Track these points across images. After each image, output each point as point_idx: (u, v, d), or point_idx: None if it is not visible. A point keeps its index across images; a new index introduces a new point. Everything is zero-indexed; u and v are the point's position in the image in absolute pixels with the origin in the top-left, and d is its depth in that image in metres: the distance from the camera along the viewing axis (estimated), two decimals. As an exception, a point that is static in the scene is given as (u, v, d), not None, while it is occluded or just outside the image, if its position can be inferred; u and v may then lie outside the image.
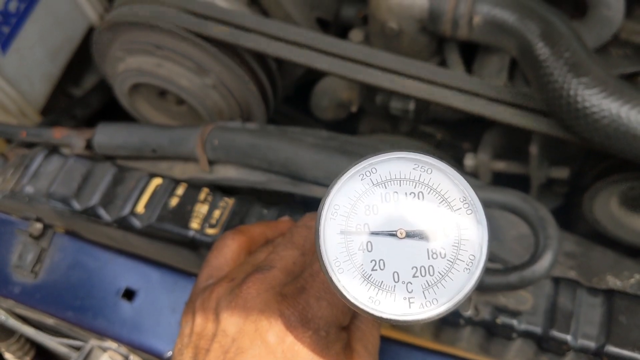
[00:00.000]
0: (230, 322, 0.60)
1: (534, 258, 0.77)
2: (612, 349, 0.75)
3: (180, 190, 0.96)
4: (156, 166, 1.10)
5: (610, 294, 0.79)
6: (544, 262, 0.76)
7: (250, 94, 1.25)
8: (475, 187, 0.83)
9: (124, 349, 0.86)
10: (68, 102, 1.66)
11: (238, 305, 0.61)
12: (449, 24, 1.06)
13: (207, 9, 1.18)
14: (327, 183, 0.93)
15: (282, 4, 1.26)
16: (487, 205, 0.83)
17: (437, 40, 1.17)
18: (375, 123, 1.49)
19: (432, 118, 1.35)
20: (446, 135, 1.43)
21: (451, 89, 1.05)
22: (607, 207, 1.14)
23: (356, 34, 1.24)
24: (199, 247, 0.93)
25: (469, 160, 1.24)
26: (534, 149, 1.13)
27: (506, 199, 0.81)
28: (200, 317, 0.63)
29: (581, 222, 1.26)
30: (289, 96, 1.54)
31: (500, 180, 1.28)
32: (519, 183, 1.28)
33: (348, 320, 0.63)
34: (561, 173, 1.17)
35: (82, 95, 1.64)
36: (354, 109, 1.38)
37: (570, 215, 1.31)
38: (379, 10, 1.13)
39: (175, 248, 0.95)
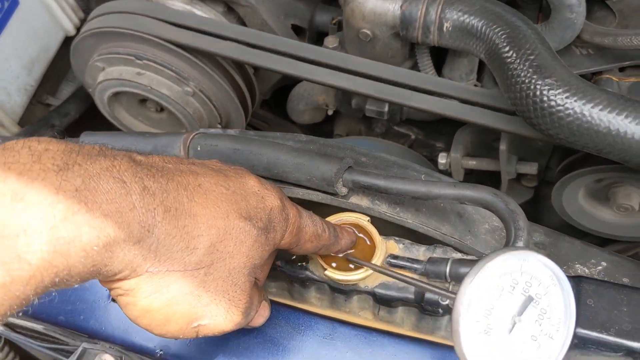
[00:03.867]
0: None
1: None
2: (581, 331, 0.80)
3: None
4: (140, 173, 1.12)
5: (578, 280, 0.84)
6: (516, 253, 0.81)
7: (229, 100, 1.29)
8: (450, 186, 0.88)
9: (116, 350, 0.89)
10: (46, 112, 1.67)
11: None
12: (420, 31, 1.11)
13: (185, 18, 1.21)
14: (308, 185, 0.97)
15: (258, 13, 1.30)
16: (460, 201, 0.88)
17: (409, 46, 1.22)
18: (351, 125, 1.53)
19: (406, 118, 1.40)
20: (420, 135, 1.48)
21: (423, 92, 1.10)
22: (575, 199, 1.20)
23: (331, 41, 1.28)
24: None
25: (442, 159, 1.29)
26: (503, 147, 1.19)
27: (478, 195, 0.86)
28: None
29: (550, 215, 1.33)
30: (265, 100, 1.58)
31: (471, 176, 1.34)
32: (489, 179, 1.34)
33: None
34: (530, 168, 1.23)
35: (60, 105, 1.65)
36: (330, 112, 1.43)
37: (540, 208, 1.38)
38: (353, 17, 1.17)
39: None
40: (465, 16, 1.07)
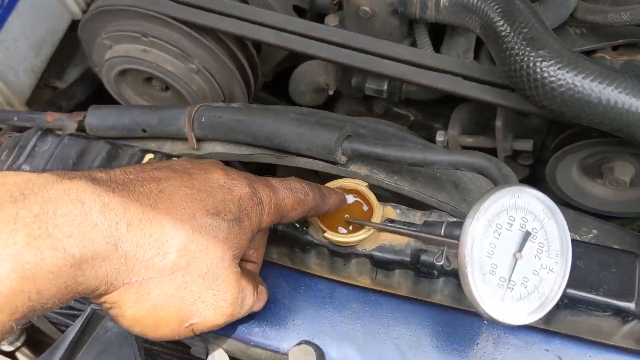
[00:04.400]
0: None
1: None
2: (571, 291, 0.83)
3: (171, 164, 1.02)
4: (145, 146, 1.16)
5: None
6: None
7: (232, 78, 1.32)
8: (446, 153, 0.91)
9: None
10: (52, 94, 1.70)
11: None
12: (417, 6, 1.14)
13: (190, -3, 1.25)
14: (309, 154, 1.00)
15: (260, -8, 1.34)
16: (456, 167, 0.92)
17: (407, 23, 1.25)
18: (351, 106, 1.56)
19: (405, 99, 1.43)
20: (419, 116, 1.51)
21: (421, 67, 1.13)
22: (569, 175, 1.23)
23: (332, 19, 1.31)
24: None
25: (440, 137, 1.32)
26: (499, 123, 1.21)
27: (473, 160, 0.89)
28: None
29: (548, 193, 1.35)
30: (267, 83, 1.61)
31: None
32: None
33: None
34: (525, 145, 1.26)
35: (67, 87, 1.69)
36: (330, 92, 1.45)
37: (537, 187, 1.40)
38: (353, -6, 1.20)
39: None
40: (462, -8, 1.10)
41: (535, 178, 1.38)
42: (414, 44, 1.27)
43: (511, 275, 0.65)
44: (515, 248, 0.67)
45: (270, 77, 1.58)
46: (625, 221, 1.31)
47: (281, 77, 1.57)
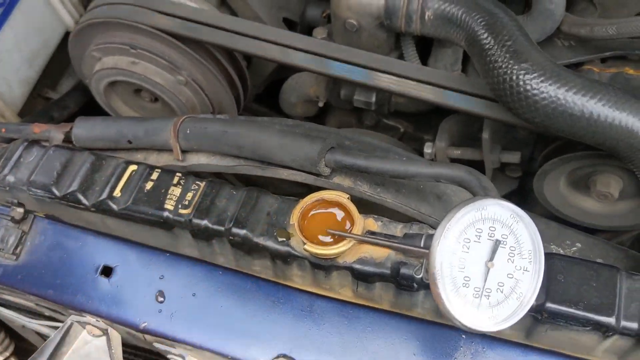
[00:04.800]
0: None
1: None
2: (551, 305, 0.82)
3: (154, 175, 1.02)
4: (132, 157, 1.16)
5: (549, 256, 0.86)
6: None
7: (220, 90, 1.32)
8: (427, 165, 0.91)
9: (102, 323, 0.92)
10: (45, 104, 1.71)
11: None
12: (403, 20, 1.14)
13: (177, 9, 1.25)
14: (292, 166, 1.00)
15: (249, 5, 1.34)
16: (437, 179, 0.91)
17: (394, 36, 1.25)
18: (342, 118, 1.56)
19: (395, 111, 1.43)
20: (409, 128, 1.51)
21: (407, 79, 1.13)
22: (557, 188, 1.23)
23: (320, 32, 1.31)
24: (173, 226, 0.99)
25: (428, 149, 1.32)
26: (485, 135, 1.21)
27: (454, 172, 0.89)
28: None
29: (538, 208, 1.35)
30: (259, 95, 1.61)
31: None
32: (475, 168, 1.36)
33: None
34: (513, 157, 1.26)
35: (59, 98, 1.69)
36: (320, 103, 1.46)
37: (527, 200, 1.40)
38: (339, 8, 1.21)
39: (151, 229, 1.01)
40: (446, 4, 1.10)
41: (524, 190, 1.38)
42: (401, 56, 1.28)
43: (485, 283, 0.66)
44: (487, 257, 0.67)
45: (261, 89, 1.59)
46: (615, 234, 1.31)
47: (273, 89, 1.58)
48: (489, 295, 0.66)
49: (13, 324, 1.25)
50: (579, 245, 0.99)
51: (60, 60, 1.71)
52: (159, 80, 1.27)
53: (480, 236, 0.67)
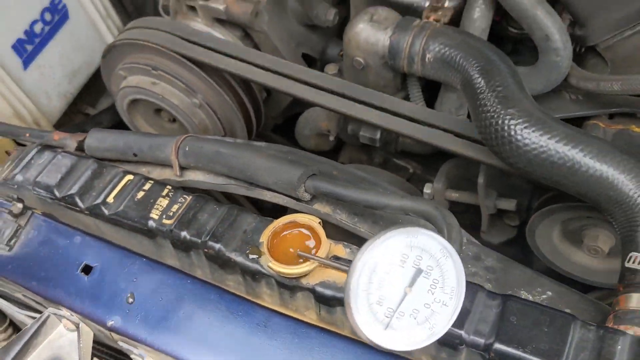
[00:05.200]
0: None
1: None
2: (499, 346, 0.81)
3: (147, 186, 1.08)
4: (137, 169, 1.22)
5: (506, 297, 0.86)
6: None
7: (233, 116, 1.39)
8: (397, 198, 0.93)
9: (75, 318, 0.96)
10: (82, 119, 1.82)
11: None
12: (405, 61, 1.18)
13: (199, 37, 1.33)
14: (275, 188, 1.04)
15: (269, 39, 1.41)
16: (405, 212, 0.93)
17: (400, 76, 1.29)
18: (353, 154, 1.60)
19: (402, 150, 1.45)
20: (418, 169, 1.53)
21: (407, 119, 1.16)
22: (549, 239, 1.22)
23: (331, 68, 1.37)
24: (156, 235, 1.04)
25: (427, 189, 1.33)
26: (480, 180, 1.22)
27: (420, 207, 0.90)
28: None
29: (537, 257, 1.33)
30: (278, 125, 1.67)
31: (457, 209, 1.37)
32: (476, 213, 1.36)
33: None
34: (508, 204, 1.25)
35: (95, 114, 1.80)
36: (331, 137, 1.50)
37: (526, 250, 1.38)
38: (349, 46, 1.26)
39: (137, 236, 1.06)
40: (446, 49, 1.13)
41: (522, 239, 1.36)
42: (407, 97, 1.31)
43: (399, 307, 0.67)
44: (407, 283, 0.68)
45: (280, 120, 1.64)
46: (612, 292, 1.27)
47: (292, 121, 1.63)
48: (400, 318, 0.68)
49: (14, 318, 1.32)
50: (549, 293, 0.97)
51: (101, 80, 1.83)
52: (175, 101, 1.35)
53: (405, 261, 0.69)
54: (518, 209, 1.27)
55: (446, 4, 1.21)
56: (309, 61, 1.51)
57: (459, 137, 1.17)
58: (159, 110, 1.47)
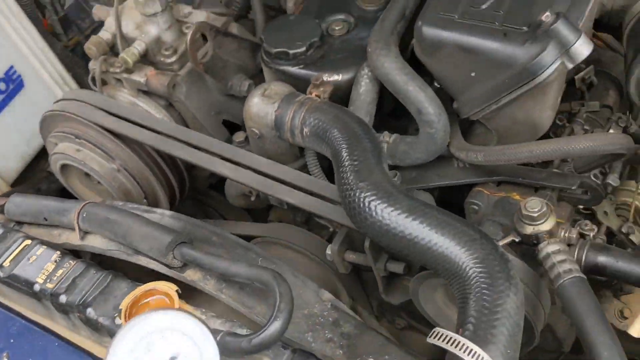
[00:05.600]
0: None
1: (265, 327, 0.92)
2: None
3: (40, 251, 1.18)
4: (51, 232, 1.32)
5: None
6: (271, 331, 0.91)
7: (152, 178, 1.49)
8: (245, 267, 1.01)
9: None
10: (39, 177, 1.95)
11: None
12: (288, 133, 1.27)
13: (119, 109, 1.45)
14: (150, 255, 1.13)
15: (187, 108, 1.51)
16: (251, 280, 1.00)
17: (298, 146, 1.37)
18: (281, 214, 1.67)
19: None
20: (338, 228, 1.59)
21: (281, 182, 1.24)
22: (433, 299, 1.26)
23: (239, 135, 1.46)
24: (41, 298, 1.13)
25: (328, 250, 1.39)
26: (366, 243, 1.28)
27: (261, 276, 0.98)
28: None
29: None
30: (212, 185, 1.76)
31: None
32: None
33: None
34: (397, 267, 1.30)
35: (50, 172, 1.92)
36: (252, 197, 1.57)
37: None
38: (245, 117, 1.35)
39: (29, 298, 1.16)
40: (320, 123, 1.21)
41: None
42: (305, 165, 1.38)
43: None
44: None
45: (214, 180, 1.73)
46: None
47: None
48: None
49: None
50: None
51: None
52: (95, 167, 1.45)
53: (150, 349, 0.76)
54: (409, 271, 1.32)
55: (325, 79, 1.29)
56: (232, 127, 1.60)
57: (334, 204, 1.24)
58: (88, 174, 1.58)
